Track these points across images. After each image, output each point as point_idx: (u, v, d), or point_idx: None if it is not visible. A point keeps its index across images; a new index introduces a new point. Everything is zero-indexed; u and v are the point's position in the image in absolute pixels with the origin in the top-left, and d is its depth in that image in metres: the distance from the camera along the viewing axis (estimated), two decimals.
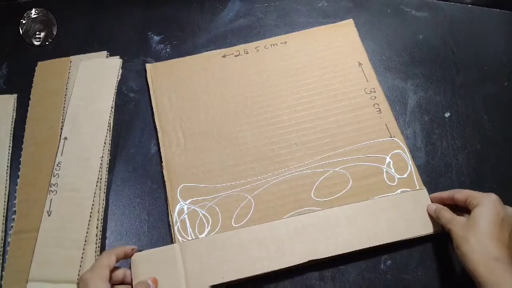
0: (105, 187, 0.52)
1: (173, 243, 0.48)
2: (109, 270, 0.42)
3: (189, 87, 0.58)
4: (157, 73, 0.60)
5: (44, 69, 0.61)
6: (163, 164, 0.53)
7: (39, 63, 0.61)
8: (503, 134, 0.54)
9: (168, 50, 0.63)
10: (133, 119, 0.58)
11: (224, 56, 0.61)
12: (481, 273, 0.38)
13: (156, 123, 0.56)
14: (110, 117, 0.57)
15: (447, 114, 0.56)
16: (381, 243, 0.46)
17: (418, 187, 0.49)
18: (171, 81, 0.59)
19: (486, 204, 0.41)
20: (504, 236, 0.40)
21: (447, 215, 0.44)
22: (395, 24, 0.63)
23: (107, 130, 0.56)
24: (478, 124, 0.55)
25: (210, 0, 0.67)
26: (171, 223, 0.49)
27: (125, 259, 0.45)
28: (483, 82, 0.58)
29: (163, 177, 0.52)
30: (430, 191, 0.49)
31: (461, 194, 0.45)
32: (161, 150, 0.54)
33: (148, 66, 0.60)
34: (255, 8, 0.66)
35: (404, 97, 0.57)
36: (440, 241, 0.47)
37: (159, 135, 0.55)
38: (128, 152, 0.55)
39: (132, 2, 0.68)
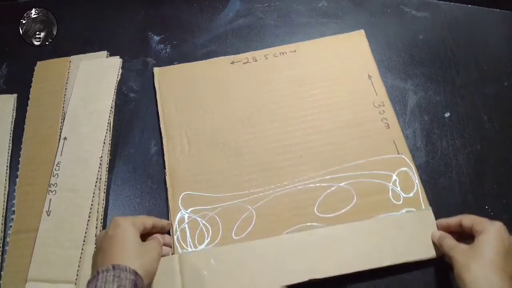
0: (105, 187, 0.52)
1: (172, 252, 0.47)
2: (142, 228, 0.43)
3: (196, 93, 0.57)
4: (165, 77, 0.59)
5: (43, 69, 0.61)
6: (166, 170, 0.52)
7: (38, 62, 0.61)
8: (503, 134, 0.54)
9: (168, 50, 0.63)
10: (133, 119, 0.58)
11: (232, 63, 0.60)
12: None
13: (161, 128, 0.55)
14: (110, 117, 0.57)
15: (447, 114, 0.56)
16: (383, 265, 0.44)
17: (424, 207, 0.48)
18: (178, 86, 0.58)
19: (491, 232, 0.39)
20: (509, 266, 0.38)
21: (449, 242, 0.42)
22: (395, 24, 0.63)
23: (107, 130, 0.55)
24: (478, 124, 0.55)
25: (210, 0, 0.67)
26: (171, 232, 0.48)
27: (160, 233, 0.47)
28: (483, 82, 0.58)
29: (163, 177, 0.52)
30: (430, 191, 0.49)
31: (467, 219, 0.43)
32: (165, 156, 0.53)
33: (156, 70, 0.60)
34: (255, 8, 0.66)
35: (404, 97, 0.57)
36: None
37: (164, 140, 0.54)
38: (128, 152, 0.55)
39: (132, 2, 0.68)
